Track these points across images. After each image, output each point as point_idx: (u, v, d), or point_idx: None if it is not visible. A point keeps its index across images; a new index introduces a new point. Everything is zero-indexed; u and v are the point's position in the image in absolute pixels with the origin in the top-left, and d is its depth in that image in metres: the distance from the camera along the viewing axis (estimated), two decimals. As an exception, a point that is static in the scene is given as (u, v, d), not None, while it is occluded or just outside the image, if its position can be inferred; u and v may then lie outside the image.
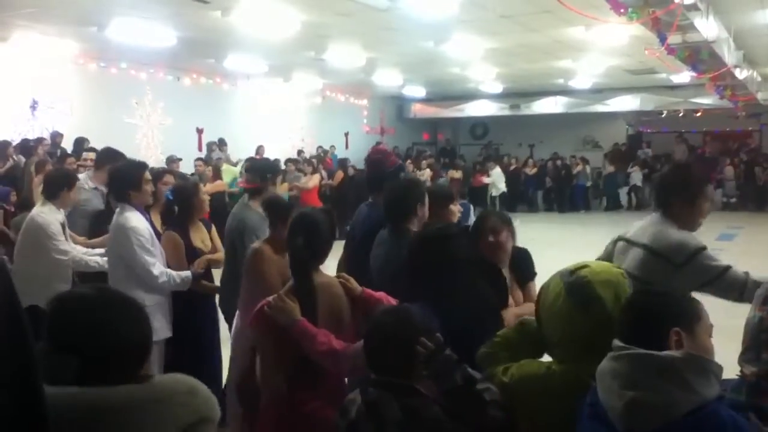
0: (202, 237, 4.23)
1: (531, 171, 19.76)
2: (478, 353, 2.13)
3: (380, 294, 2.66)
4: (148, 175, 4.00)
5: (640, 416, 1.49)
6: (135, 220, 3.79)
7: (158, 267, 3.75)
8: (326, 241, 2.64)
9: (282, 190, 11.36)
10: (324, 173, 14.46)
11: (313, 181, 12.74)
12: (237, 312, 3.64)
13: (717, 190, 18.10)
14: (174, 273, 3.83)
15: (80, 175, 5.31)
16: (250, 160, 6.64)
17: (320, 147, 17.36)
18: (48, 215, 4.44)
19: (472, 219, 4.84)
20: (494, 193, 18.05)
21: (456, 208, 3.64)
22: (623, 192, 19.51)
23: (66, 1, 8.20)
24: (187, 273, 3.89)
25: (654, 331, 1.59)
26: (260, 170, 4.31)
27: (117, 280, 3.72)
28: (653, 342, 1.56)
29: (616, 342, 1.62)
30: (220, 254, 4.19)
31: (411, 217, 3.21)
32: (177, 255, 3.99)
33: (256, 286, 3.20)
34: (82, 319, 1.47)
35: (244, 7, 8.50)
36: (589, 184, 19.63)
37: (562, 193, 19.61)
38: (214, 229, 4.46)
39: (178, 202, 4.27)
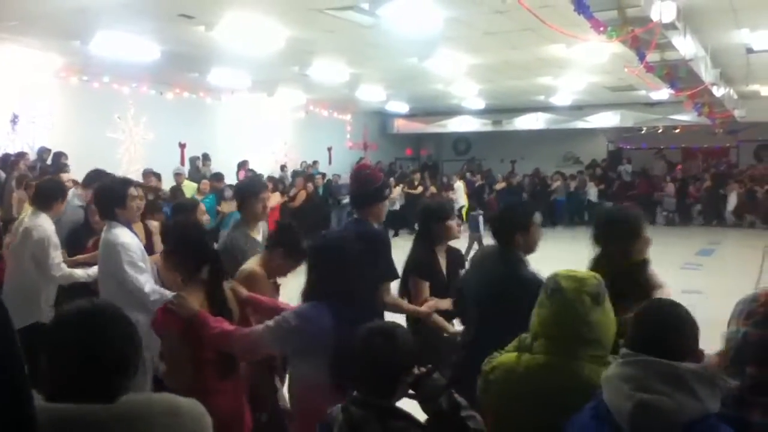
0: None
1: (499, 186, 19.53)
2: None
3: (264, 298, 3.17)
4: (133, 191, 3.99)
5: (648, 418, 1.55)
6: (124, 236, 3.77)
7: (150, 284, 3.72)
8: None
9: (230, 207, 10.88)
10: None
11: (273, 200, 11.69)
12: None
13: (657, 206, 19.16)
14: (166, 291, 3.77)
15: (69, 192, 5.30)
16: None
17: (304, 162, 17.36)
18: (47, 227, 4.43)
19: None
20: (456, 206, 17.98)
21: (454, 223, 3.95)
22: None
23: (50, 15, 8.17)
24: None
25: (673, 343, 1.67)
26: (242, 191, 4.26)
27: (109, 297, 3.69)
28: (669, 354, 1.63)
29: (625, 350, 1.69)
30: None
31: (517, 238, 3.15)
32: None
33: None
34: (83, 333, 1.46)
35: (228, 23, 8.53)
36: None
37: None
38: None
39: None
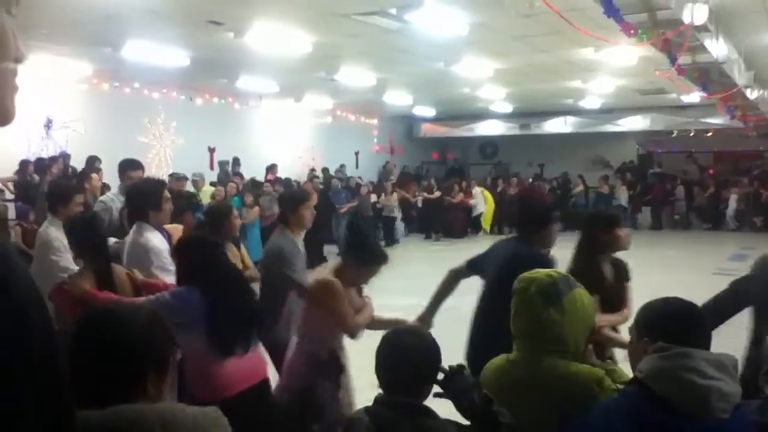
0: (233, 257, 4.22)
1: (513, 191, 18.72)
2: None
3: (157, 281, 3.54)
4: (167, 193, 3.97)
5: (720, 402, 1.65)
6: (154, 239, 3.76)
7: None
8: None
9: (253, 216, 10.86)
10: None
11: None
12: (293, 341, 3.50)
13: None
14: None
15: (112, 191, 5.32)
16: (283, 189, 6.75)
17: (312, 169, 16.87)
18: (49, 232, 4.39)
19: None
20: (475, 212, 17.85)
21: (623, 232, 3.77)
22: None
23: (81, 23, 8.32)
24: None
25: (704, 336, 1.81)
26: (291, 199, 4.32)
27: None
28: (699, 344, 1.76)
29: (660, 344, 1.76)
30: (252, 271, 4.30)
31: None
32: None
33: (326, 317, 3.21)
34: (94, 338, 1.47)
35: (257, 29, 8.61)
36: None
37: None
38: (243, 248, 4.51)
39: (211, 223, 4.31)
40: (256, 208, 11.03)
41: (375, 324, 3.42)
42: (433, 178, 19.02)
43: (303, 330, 3.38)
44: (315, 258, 11.78)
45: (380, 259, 3.32)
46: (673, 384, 1.68)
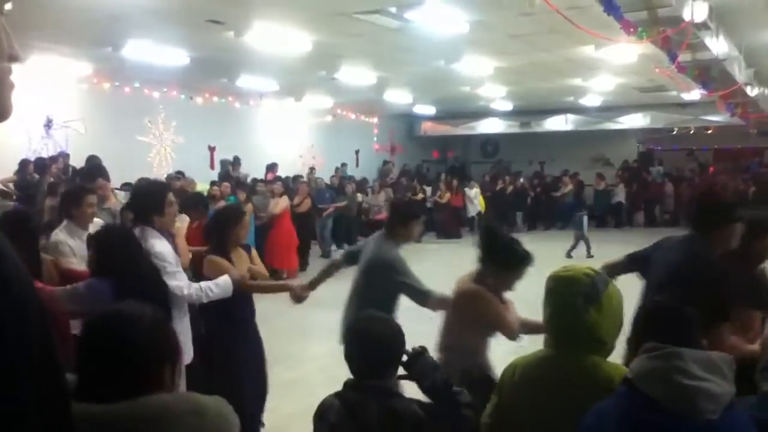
0: (242, 262, 4.18)
1: (509, 188, 18.80)
2: None
3: (82, 271, 3.69)
4: (171, 197, 3.89)
5: (705, 403, 1.64)
6: (159, 245, 3.69)
7: (187, 286, 3.73)
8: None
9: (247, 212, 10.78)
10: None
11: (280, 205, 11.42)
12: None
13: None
14: (207, 282, 3.80)
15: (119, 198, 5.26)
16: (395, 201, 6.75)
17: (312, 169, 16.56)
18: (56, 237, 4.35)
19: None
20: (471, 213, 17.56)
21: None
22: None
23: (82, 22, 8.32)
24: (225, 277, 3.85)
25: (693, 334, 1.80)
26: (403, 214, 4.12)
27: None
28: (690, 343, 1.75)
29: (652, 343, 1.76)
30: (262, 269, 4.36)
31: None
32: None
33: (477, 326, 3.19)
34: (107, 333, 1.50)
35: (257, 28, 8.60)
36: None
37: (540, 210, 19.16)
38: (254, 251, 4.39)
39: (220, 226, 4.19)
40: (249, 206, 11.00)
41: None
42: (415, 181, 18.47)
43: (450, 343, 3.24)
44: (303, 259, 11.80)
45: (525, 260, 3.13)
46: (659, 385, 1.69)
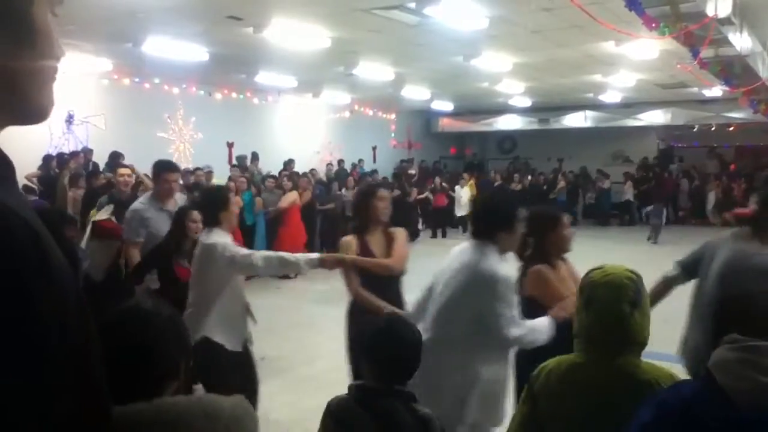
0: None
1: (516, 187, 18.00)
2: None
3: None
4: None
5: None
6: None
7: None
8: None
9: (257, 207, 10.76)
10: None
11: (288, 199, 11.29)
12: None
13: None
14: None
15: (144, 197, 5.27)
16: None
17: (329, 165, 16.49)
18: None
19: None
20: (460, 212, 16.15)
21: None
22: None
23: (102, 19, 8.39)
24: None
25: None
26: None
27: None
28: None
29: (734, 335, 1.72)
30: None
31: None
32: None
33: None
34: (117, 333, 1.45)
35: (276, 24, 8.63)
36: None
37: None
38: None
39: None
40: (259, 199, 11.01)
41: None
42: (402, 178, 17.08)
43: None
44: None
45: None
46: (731, 377, 1.66)
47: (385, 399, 2.09)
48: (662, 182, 19.50)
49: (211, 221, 3.84)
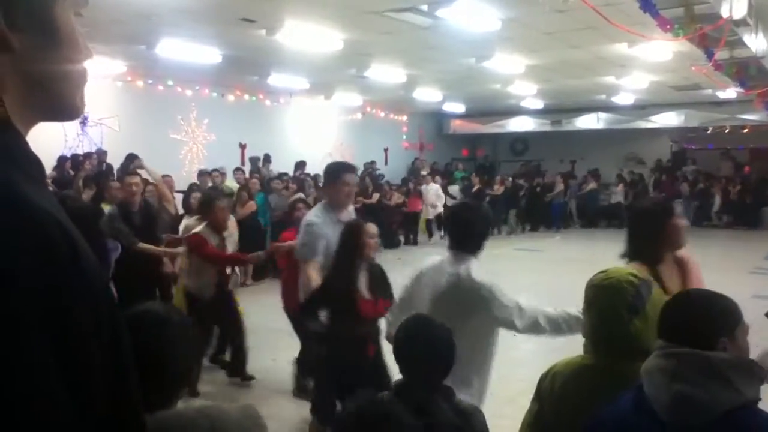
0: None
1: (498, 190, 17.19)
2: None
3: None
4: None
5: (685, 409, 1.56)
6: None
7: None
8: None
9: (246, 210, 10.20)
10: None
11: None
12: None
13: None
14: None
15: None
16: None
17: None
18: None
19: None
20: (429, 215, 15.40)
21: None
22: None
23: (117, 21, 8.44)
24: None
25: (701, 333, 1.64)
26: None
27: None
28: (699, 344, 1.62)
29: (660, 341, 1.69)
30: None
31: None
32: None
33: None
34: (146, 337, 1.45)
35: (289, 27, 8.65)
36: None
37: (532, 211, 18.21)
38: None
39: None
40: (251, 203, 10.80)
41: None
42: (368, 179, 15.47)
43: None
44: None
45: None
46: (650, 386, 1.64)
47: (426, 394, 2.13)
48: (659, 185, 19.38)
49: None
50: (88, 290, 0.76)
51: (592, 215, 19.09)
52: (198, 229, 5.33)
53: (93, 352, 0.75)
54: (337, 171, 4.26)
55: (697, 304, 1.71)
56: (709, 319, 1.66)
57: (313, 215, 4.21)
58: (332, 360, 3.64)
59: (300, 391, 5.00)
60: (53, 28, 0.82)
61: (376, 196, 14.37)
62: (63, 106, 0.87)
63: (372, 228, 3.62)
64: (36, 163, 0.82)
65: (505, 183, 17.78)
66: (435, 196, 15.53)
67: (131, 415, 0.83)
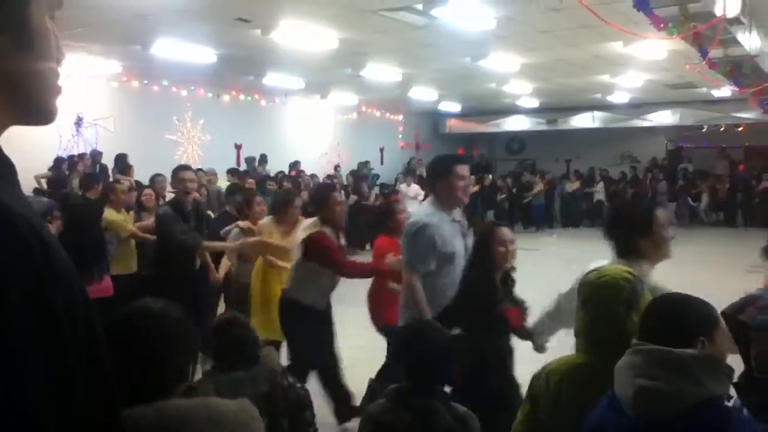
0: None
1: (472, 189, 16.76)
2: None
3: None
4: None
5: (648, 404, 1.58)
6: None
7: None
8: None
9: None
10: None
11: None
12: None
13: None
14: None
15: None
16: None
17: (337, 166, 16.21)
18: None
19: None
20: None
21: None
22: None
23: (112, 21, 8.43)
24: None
25: (677, 333, 1.66)
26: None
27: None
28: (676, 344, 1.64)
29: (635, 340, 1.72)
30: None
31: None
32: None
33: None
34: (121, 334, 1.45)
35: (284, 26, 8.64)
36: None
37: (512, 211, 18.08)
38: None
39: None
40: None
41: None
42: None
43: None
44: None
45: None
46: (618, 383, 1.67)
47: (423, 399, 2.15)
48: (635, 184, 19.35)
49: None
50: (64, 291, 0.76)
51: (574, 215, 19.06)
52: (319, 228, 4.39)
53: (68, 354, 0.75)
54: (448, 164, 3.62)
55: (675, 306, 1.75)
56: (685, 319, 1.69)
57: (423, 215, 3.55)
58: (478, 378, 3.11)
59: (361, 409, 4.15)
60: (27, 29, 0.81)
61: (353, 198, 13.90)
62: (34, 107, 0.85)
63: (508, 233, 3.22)
64: (7, 164, 0.82)
65: (485, 182, 17.33)
66: (412, 198, 13.95)
67: (106, 410, 0.84)
